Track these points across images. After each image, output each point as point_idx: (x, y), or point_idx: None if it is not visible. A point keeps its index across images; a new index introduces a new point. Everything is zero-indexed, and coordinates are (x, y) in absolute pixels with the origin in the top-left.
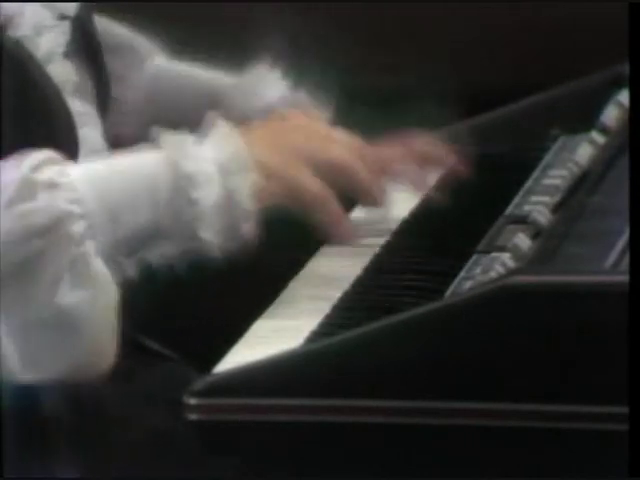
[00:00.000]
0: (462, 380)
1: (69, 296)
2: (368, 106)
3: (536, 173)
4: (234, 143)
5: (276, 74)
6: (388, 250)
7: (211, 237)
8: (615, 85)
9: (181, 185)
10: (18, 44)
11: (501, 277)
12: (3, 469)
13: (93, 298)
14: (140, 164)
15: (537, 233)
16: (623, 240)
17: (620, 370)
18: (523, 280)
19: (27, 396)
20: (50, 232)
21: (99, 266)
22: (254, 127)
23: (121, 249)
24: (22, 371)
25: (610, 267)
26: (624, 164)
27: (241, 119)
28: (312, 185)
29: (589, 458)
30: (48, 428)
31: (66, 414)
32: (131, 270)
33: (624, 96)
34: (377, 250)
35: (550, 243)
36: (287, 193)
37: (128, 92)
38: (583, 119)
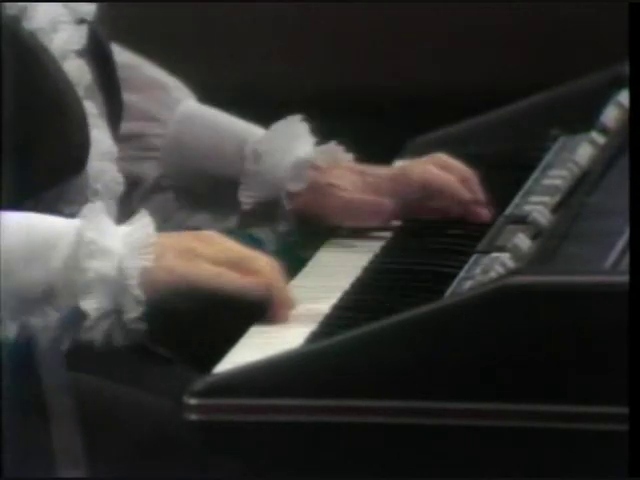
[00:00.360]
0: (462, 380)
1: None
2: (374, 108)
3: (536, 173)
4: (146, 231)
5: (305, 127)
6: (387, 250)
7: (92, 311)
8: (615, 85)
9: (79, 251)
10: (32, 35)
11: (501, 277)
12: (3, 469)
13: None
14: (49, 223)
15: (537, 233)
16: (623, 240)
17: (620, 370)
18: (523, 280)
19: (27, 395)
20: None
21: None
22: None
23: (6, 306)
24: None
25: (610, 267)
26: (624, 164)
27: (269, 175)
28: (207, 269)
29: (589, 458)
30: (48, 427)
31: (66, 413)
32: (11, 332)
33: (624, 96)
34: (377, 250)
35: (550, 243)
36: (182, 281)
37: (157, 130)
38: (583, 119)
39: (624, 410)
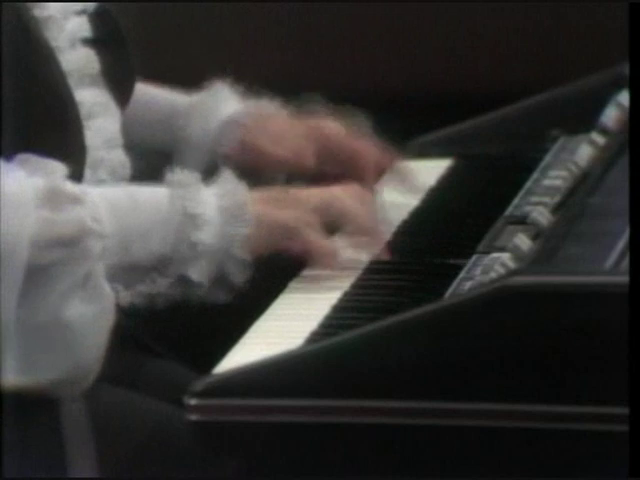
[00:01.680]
0: (462, 380)
1: (76, 309)
2: (374, 108)
3: (536, 174)
4: (238, 194)
5: (234, 90)
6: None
7: (200, 278)
8: (615, 86)
9: (185, 225)
10: (34, 24)
11: (501, 277)
12: (3, 469)
13: (96, 316)
14: (153, 198)
15: (537, 234)
16: (623, 241)
17: (620, 371)
18: (523, 281)
19: (27, 394)
20: (73, 244)
21: (106, 286)
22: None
23: (123, 276)
24: (14, 372)
25: (610, 268)
26: (624, 165)
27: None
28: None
29: (589, 459)
30: (48, 427)
31: (66, 413)
32: (124, 299)
33: (624, 97)
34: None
35: (550, 244)
36: (281, 243)
37: None
38: (583, 120)
39: (624, 411)
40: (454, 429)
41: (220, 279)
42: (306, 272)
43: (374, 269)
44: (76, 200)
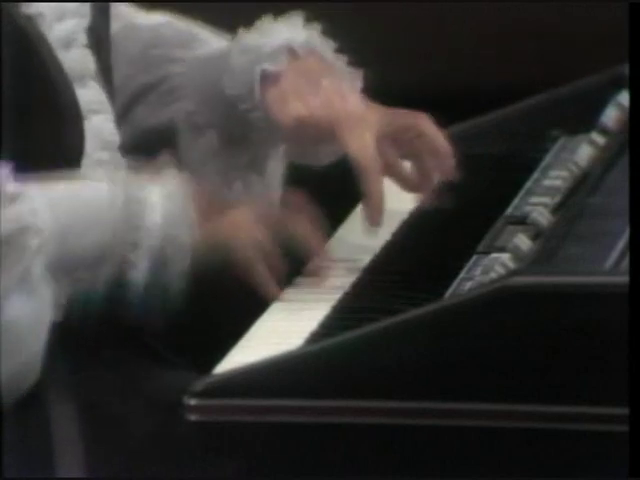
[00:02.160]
0: (462, 381)
1: (14, 308)
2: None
3: (536, 174)
4: (181, 186)
5: (301, 20)
6: (387, 250)
7: (142, 265)
8: (615, 86)
9: (129, 210)
10: (30, 22)
11: (501, 278)
12: (3, 469)
13: (36, 313)
14: (94, 188)
15: (537, 234)
16: (623, 241)
17: (620, 371)
18: (523, 281)
19: (28, 393)
20: (10, 243)
21: (45, 282)
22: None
23: (61, 268)
24: None
25: (610, 268)
26: (624, 165)
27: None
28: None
29: (589, 459)
30: (49, 427)
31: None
32: (64, 291)
33: (624, 97)
34: (377, 251)
35: (550, 244)
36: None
37: (178, 69)
38: (583, 120)
39: (624, 411)
40: (454, 429)
41: (156, 285)
42: (306, 272)
43: (374, 269)
44: (13, 198)
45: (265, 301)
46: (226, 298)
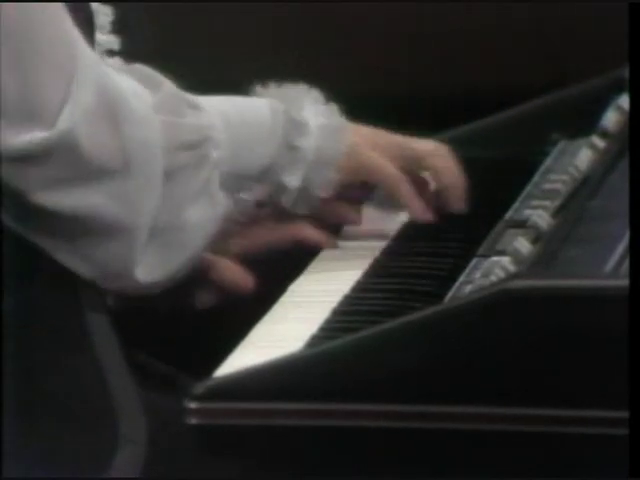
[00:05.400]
0: (462, 384)
1: (194, 213)
2: (373, 111)
3: (536, 177)
4: (339, 119)
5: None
6: (388, 254)
7: (294, 184)
8: (615, 89)
9: (288, 131)
10: None
11: (501, 281)
12: (3, 469)
13: (211, 221)
14: (256, 106)
15: (537, 237)
16: (623, 244)
17: (620, 374)
18: (523, 284)
19: (28, 392)
20: (195, 149)
21: (221, 194)
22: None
23: (231, 183)
24: (125, 270)
25: (610, 271)
26: (624, 168)
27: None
28: (388, 167)
29: (589, 463)
30: (50, 427)
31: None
32: (229, 207)
33: (624, 100)
34: (377, 254)
35: (550, 247)
36: (367, 170)
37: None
38: (583, 123)
39: (624, 415)
40: (454, 433)
41: (303, 192)
42: (306, 274)
43: (374, 272)
44: (195, 107)
45: (266, 303)
46: (226, 301)
